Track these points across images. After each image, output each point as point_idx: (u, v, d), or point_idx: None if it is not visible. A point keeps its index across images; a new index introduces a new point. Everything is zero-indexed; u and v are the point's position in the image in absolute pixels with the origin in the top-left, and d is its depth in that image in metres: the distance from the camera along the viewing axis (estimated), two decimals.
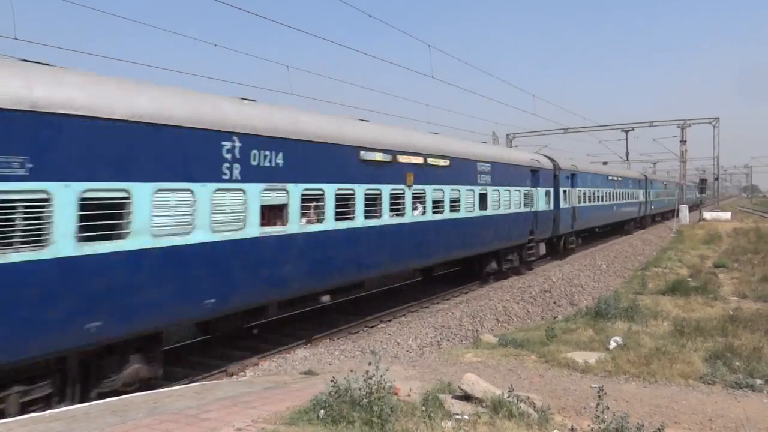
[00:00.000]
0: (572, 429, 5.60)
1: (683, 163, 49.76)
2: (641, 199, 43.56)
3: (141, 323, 7.75)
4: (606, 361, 8.34)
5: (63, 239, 6.67)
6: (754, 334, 9.73)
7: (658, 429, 4.65)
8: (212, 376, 9.73)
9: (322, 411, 5.30)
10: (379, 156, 12.58)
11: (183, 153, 8.23)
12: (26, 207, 6.36)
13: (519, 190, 20.35)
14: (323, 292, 11.58)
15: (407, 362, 9.39)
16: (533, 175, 21.74)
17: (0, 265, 6.09)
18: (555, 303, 16.75)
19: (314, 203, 10.81)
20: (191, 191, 8.30)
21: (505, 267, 20.18)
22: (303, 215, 10.52)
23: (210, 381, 9.24)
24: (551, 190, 23.75)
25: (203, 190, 8.45)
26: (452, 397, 5.90)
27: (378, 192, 12.59)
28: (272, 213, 9.90)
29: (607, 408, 5.03)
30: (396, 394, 5.88)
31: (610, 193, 33.85)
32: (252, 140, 9.38)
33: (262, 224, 9.59)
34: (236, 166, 9.06)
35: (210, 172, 8.63)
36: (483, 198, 17.57)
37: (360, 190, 11.95)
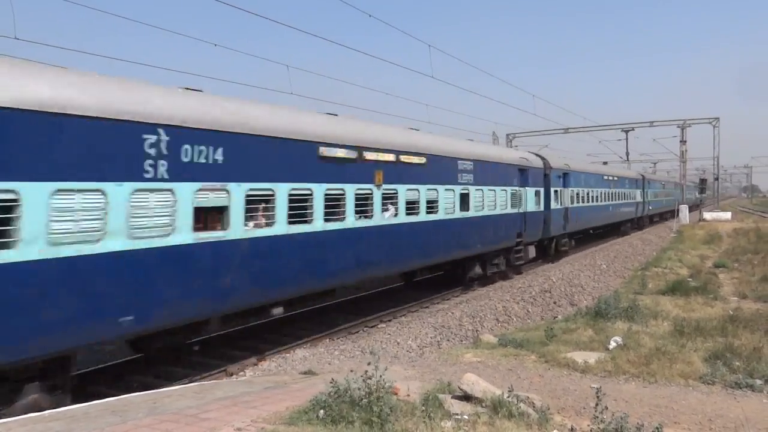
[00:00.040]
0: (572, 429, 5.60)
1: (683, 163, 49.76)
2: (638, 199, 42.82)
3: (36, 347, 6.69)
4: (606, 361, 8.34)
5: None
6: (754, 334, 9.73)
7: (657, 428, 4.64)
8: (212, 376, 9.73)
9: (322, 411, 5.30)
10: (341, 152, 11.48)
11: (91, 147, 7.11)
12: None
13: (505, 190, 19.36)
14: (275, 304, 10.51)
15: (407, 362, 9.39)
16: (521, 175, 20.77)
17: None
18: (555, 303, 16.75)
19: (263, 205, 9.75)
20: (102, 192, 7.18)
21: (491, 271, 19.25)
22: (249, 218, 9.45)
23: (210, 381, 9.24)
24: (541, 190, 22.76)
25: (118, 190, 7.33)
26: (452, 397, 5.90)
27: (341, 192, 11.52)
28: (210, 216, 8.84)
29: (607, 408, 5.03)
30: (396, 394, 5.88)
31: (605, 193, 32.92)
32: (183, 133, 8.24)
33: (197, 229, 8.50)
34: (162, 162, 7.93)
35: (127, 170, 7.48)
36: (464, 198, 16.53)
37: (319, 190, 10.86)
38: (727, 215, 49.46)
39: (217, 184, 8.81)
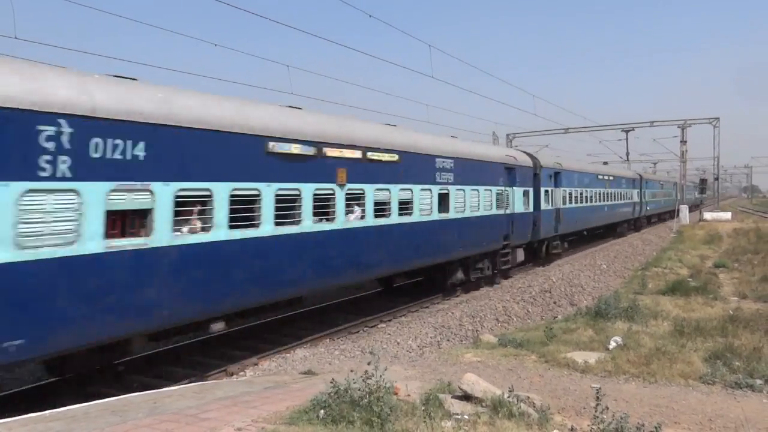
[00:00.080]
0: (572, 429, 5.60)
1: (683, 163, 49.75)
2: (635, 199, 41.86)
3: None
4: (606, 361, 8.34)
5: None
6: (754, 334, 9.73)
7: (655, 428, 4.65)
8: (212, 376, 9.74)
9: (322, 411, 5.31)
10: (296, 148, 10.33)
11: None
12: None
13: (490, 190, 18.15)
14: (215, 318, 9.37)
15: (407, 362, 9.40)
16: (509, 174, 19.63)
17: None
18: (555, 303, 16.74)
19: (198, 207, 8.66)
20: None
21: (475, 276, 18.04)
22: (180, 223, 8.38)
23: (210, 381, 9.25)
24: (530, 190, 21.68)
25: (3, 191, 6.29)
26: (452, 397, 5.91)
27: (296, 193, 10.39)
28: (129, 221, 7.74)
29: (607, 408, 5.04)
30: (396, 394, 5.88)
31: (600, 193, 31.87)
32: (92, 125, 7.10)
33: (110, 236, 7.38)
34: (63, 158, 6.82)
35: (16, 167, 6.40)
36: (443, 199, 15.40)
37: (268, 191, 9.72)
38: (727, 215, 49.47)
39: (138, 184, 7.67)
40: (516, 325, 14.06)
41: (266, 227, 9.73)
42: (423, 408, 5.50)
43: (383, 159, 12.91)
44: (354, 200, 12.01)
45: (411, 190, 13.96)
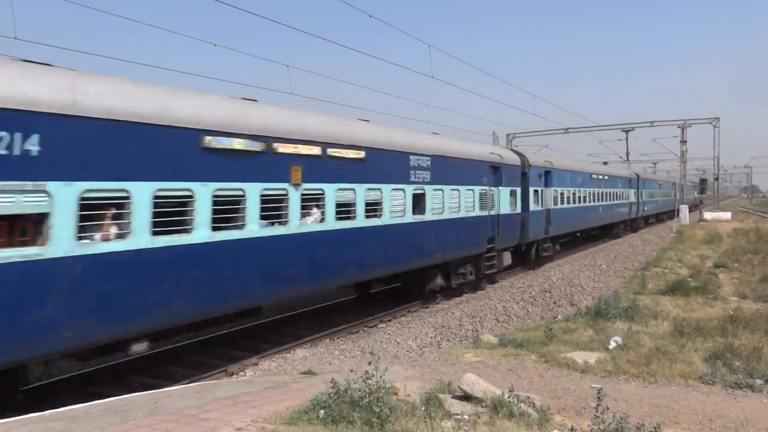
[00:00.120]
0: (572, 429, 5.61)
1: (683, 163, 49.78)
2: (632, 199, 41.03)
3: None
4: (606, 361, 8.35)
5: None
6: (754, 334, 9.73)
7: (655, 428, 4.65)
8: (212, 376, 9.74)
9: (322, 411, 5.31)
10: (239, 143, 9.24)
11: None
12: None
13: (473, 190, 17.02)
14: (136, 338, 8.22)
15: (407, 362, 9.40)
16: (494, 173, 18.50)
17: None
18: (555, 303, 16.75)
19: (113, 211, 7.58)
20: None
21: (456, 282, 16.98)
22: (89, 229, 7.31)
23: (210, 381, 9.25)
24: (518, 189, 20.54)
25: None
26: (452, 397, 5.91)
27: (240, 194, 9.27)
28: (19, 227, 6.69)
29: (607, 408, 5.04)
30: (396, 394, 5.89)
31: (594, 193, 30.75)
32: None
33: None
34: None
35: None
36: (419, 199, 14.32)
37: (204, 191, 8.62)
38: (727, 215, 49.51)
39: (29, 184, 6.58)
40: (516, 325, 14.06)
41: (201, 232, 8.59)
42: (423, 408, 5.51)
43: (347, 156, 11.79)
44: (312, 201, 10.93)
45: (380, 190, 12.86)
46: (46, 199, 6.76)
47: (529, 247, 22.64)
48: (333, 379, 5.57)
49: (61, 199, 6.88)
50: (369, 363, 5.41)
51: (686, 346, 9.03)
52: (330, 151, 11.29)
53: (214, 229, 8.84)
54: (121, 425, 5.39)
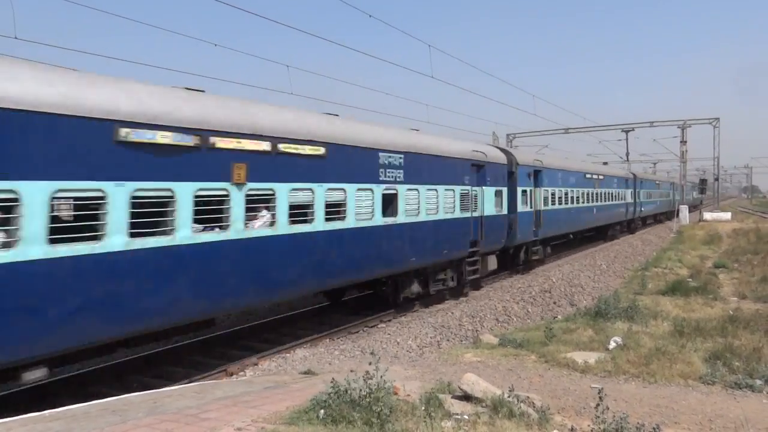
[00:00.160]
0: (572, 429, 5.61)
1: (683, 164, 49.82)
2: (629, 200, 40.11)
3: None
4: (606, 361, 8.35)
5: None
6: (753, 334, 9.74)
7: (655, 428, 4.65)
8: (212, 376, 9.74)
9: (322, 411, 5.31)
10: (165, 137, 8.00)
11: None
12: None
13: (452, 190, 15.81)
14: (31, 364, 6.93)
15: (407, 362, 9.40)
16: (477, 171, 17.28)
17: None
18: (555, 303, 16.76)
19: None
20: None
21: (435, 289, 15.80)
22: None
23: (210, 381, 9.25)
24: (504, 189, 19.32)
25: None
26: (452, 397, 5.91)
27: (168, 194, 8.08)
28: None
29: (607, 408, 5.04)
30: (396, 394, 5.89)
31: (588, 193, 29.62)
32: None
33: None
34: None
35: None
36: (389, 200, 13.09)
37: (120, 192, 7.42)
38: (727, 215, 49.55)
39: None
40: (516, 325, 14.07)
41: (115, 239, 7.38)
42: (423, 408, 5.50)
43: (303, 152, 10.53)
44: (260, 203, 9.76)
45: (344, 190, 11.60)
46: None
47: (518, 250, 21.71)
48: (333, 379, 5.57)
49: None
50: (369, 363, 5.42)
51: (686, 346, 9.03)
52: (282, 147, 10.06)
53: (133, 235, 7.62)
54: (121, 425, 5.39)
